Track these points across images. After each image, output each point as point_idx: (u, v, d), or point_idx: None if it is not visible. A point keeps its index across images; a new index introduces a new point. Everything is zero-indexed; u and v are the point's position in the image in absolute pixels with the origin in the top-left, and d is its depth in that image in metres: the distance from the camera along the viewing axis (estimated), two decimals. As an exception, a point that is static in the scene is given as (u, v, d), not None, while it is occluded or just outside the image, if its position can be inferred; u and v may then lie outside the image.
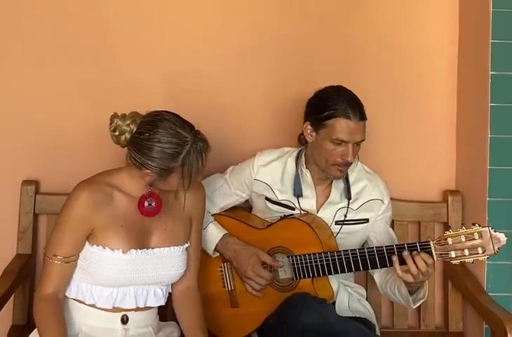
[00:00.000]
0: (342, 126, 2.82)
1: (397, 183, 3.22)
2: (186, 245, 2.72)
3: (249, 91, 3.36)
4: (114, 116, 2.60)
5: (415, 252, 2.69)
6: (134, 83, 3.30)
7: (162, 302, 2.70)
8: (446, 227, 3.26)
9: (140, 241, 2.61)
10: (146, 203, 2.60)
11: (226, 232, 2.96)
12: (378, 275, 2.97)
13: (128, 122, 2.56)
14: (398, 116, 3.39)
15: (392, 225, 3.18)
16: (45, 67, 3.30)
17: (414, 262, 2.67)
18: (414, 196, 3.32)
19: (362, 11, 3.37)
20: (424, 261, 2.66)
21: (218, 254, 2.98)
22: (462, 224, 2.76)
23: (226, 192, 3.05)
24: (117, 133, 2.58)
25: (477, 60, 3.16)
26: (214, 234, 2.95)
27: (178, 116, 2.57)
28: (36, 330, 2.59)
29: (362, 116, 2.83)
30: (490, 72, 3.04)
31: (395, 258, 2.70)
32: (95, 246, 2.57)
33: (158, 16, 3.32)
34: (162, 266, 2.63)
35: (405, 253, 2.69)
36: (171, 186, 2.58)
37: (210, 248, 2.96)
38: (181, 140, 2.51)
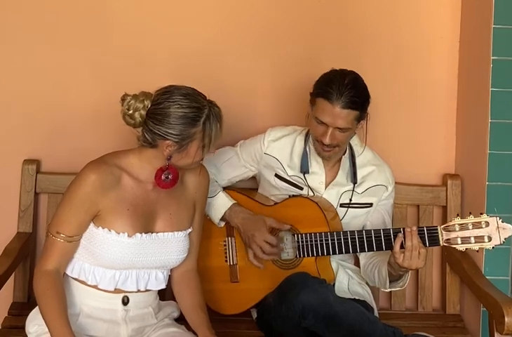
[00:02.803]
0: (323, 108, 2.82)
1: (397, 166, 3.20)
2: (189, 230, 2.72)
3: (259, 70, 3.36)
4: (125, 95, 2.59)
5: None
6: (138, 62, 3.30)
7: (163, 285, 2.70)
8: (445, 210, 3.29)
9: (145, 225, 2.61)
10: (163, 176, 2.59)
11: (235, 201, 2.98)
12: (363, 256, 2.98)
13: (142, 98, 2.56)
14: (398, 100, 3.38)
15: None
16: (47, 47, 3.29)
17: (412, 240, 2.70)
18: (414, 179, 3.33)
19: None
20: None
21: (223, 223, 3.00)
22: (470, 212, 2.77)
23: (235, 163, 3.07)
24: (131, 112, 2.55)
25: (479, 44, 3.15)
26: (222, 202, 2.98)
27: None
28: (36, 308, 2.59)
29: (347, 105, 2.79)
30: (492, 57, 3.04)
31: (401, 235, 2.71)
32: (100, 228, 2.56)
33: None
34: (165, 250, 2.63)
35: (408, 230, 2.71)
36: (189, 157, 2.57)
37: (217, 216, 2.98)
38: (200, 104, 2.54)
